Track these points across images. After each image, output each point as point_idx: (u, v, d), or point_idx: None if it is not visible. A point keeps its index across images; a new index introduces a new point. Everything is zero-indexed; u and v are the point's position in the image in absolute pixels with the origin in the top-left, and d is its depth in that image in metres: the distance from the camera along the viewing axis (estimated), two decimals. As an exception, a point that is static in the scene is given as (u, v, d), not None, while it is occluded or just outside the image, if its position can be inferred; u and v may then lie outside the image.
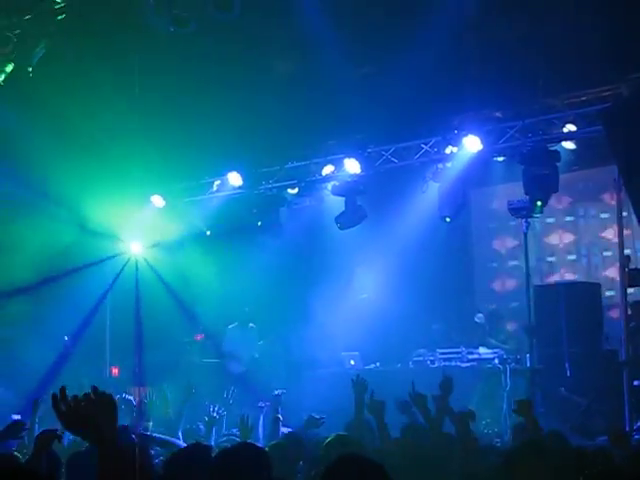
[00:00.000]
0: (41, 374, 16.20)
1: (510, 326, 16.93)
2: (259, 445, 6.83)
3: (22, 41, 14.33)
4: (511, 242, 17.91)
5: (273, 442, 7.74)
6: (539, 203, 14.22)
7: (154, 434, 9.54)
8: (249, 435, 8.83)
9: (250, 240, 17.94)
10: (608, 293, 16.20)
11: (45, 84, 14.43)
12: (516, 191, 14.89)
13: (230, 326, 17.91)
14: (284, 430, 9.37)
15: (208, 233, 18.89)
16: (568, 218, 17.95)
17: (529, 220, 14.20)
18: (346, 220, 16.48)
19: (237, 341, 17.71)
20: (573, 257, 17.97)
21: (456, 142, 15.28)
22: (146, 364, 18.04)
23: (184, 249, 18.52)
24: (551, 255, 17.95)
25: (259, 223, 17.37)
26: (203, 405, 11.18)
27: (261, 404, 10.89)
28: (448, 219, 15.68)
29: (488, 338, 15.93)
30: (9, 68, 14.44)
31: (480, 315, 16.41)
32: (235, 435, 9.39)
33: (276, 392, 10.42)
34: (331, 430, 8.81)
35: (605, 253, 17.31)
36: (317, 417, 9.81)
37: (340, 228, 16.58)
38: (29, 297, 17.45)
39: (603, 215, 17.35)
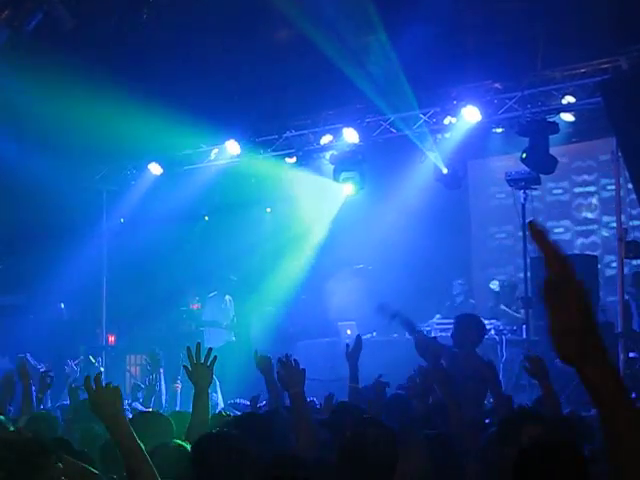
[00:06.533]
0: (38, 341, 16.24)
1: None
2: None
3: (19, 6, 14.25)
4: (508, 213, 17.90)
5: None
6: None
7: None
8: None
9: (248, 210, 18.01)
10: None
11: (43, 51, 14.39)
12: (514, 162, 14.89)
13: (210, 295, 17.98)
14: None
15: (206, 219, 18.98)
16: (565, 190, 17.97)
17: (527, 191, 14.20)
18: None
19: (215, 310, 17.77)
20: (567, 229, 18.01)
21: (455, 113, 15.25)
22: (144, 332, 18.13)
23: (182, 219, 18.59)
24: (549, 226, 17.95)
25: (268, 210, 17.47)
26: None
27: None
28: (445, 170, 15.67)
29: (502, 306, 15.90)
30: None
31: (495, 282, 16.35)
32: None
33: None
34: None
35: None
36: None
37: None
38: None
39: (601, 187, 17.38)
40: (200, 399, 5.84)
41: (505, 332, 14.81)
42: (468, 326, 9.97)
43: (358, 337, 8.71)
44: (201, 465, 4.69)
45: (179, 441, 5.35)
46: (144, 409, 9.52)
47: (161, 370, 10.69)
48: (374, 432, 4.84)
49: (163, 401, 10.58)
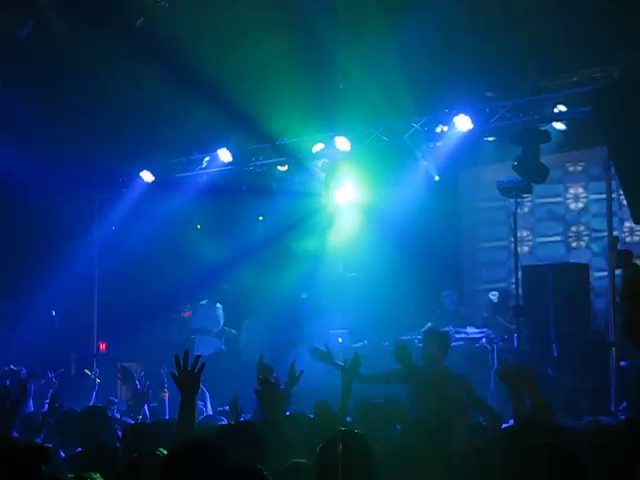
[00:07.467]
0: (29, 348, 16.19)
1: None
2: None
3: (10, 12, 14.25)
4: (500, 222, 17.90)
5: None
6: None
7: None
8: (238, 416, 8.75)
9: (240, 218, 17.98)
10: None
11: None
12: (506, 171, 14.89)
13: (201, 302, 18.00)
14: None
15: (198, 227, 18.97)
16: (557, 199, 17.97)
17: (518, 200, 14.20)
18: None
19: (205, 318, 17.77)
20: (558, 238, 18.01)
21: (447, 121, 15.26)
22: (135, 340, 18.09)
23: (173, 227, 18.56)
24: (540, 235, 17.96)
25: (260, 218, 17.55)
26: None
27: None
28: (437, 177, 15.74)
29: (497, 316, 15.87)
30: None
31: (495, 292, 16.32)
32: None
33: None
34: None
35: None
36: None
37: None
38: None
39: (592, 196, 17.38)
40: (186, 407, 5.76)
41: (496, 341, 14.81)
42: (435, 339, 10.14)
43: (356, 355, 8.22)
44: (171, 475, 4.61)
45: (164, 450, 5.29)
46: (130, 420, 9.50)
47: (137, 383, 10.65)
48: (346, 444, 4.79)
49: (146, 411, 10.55)
